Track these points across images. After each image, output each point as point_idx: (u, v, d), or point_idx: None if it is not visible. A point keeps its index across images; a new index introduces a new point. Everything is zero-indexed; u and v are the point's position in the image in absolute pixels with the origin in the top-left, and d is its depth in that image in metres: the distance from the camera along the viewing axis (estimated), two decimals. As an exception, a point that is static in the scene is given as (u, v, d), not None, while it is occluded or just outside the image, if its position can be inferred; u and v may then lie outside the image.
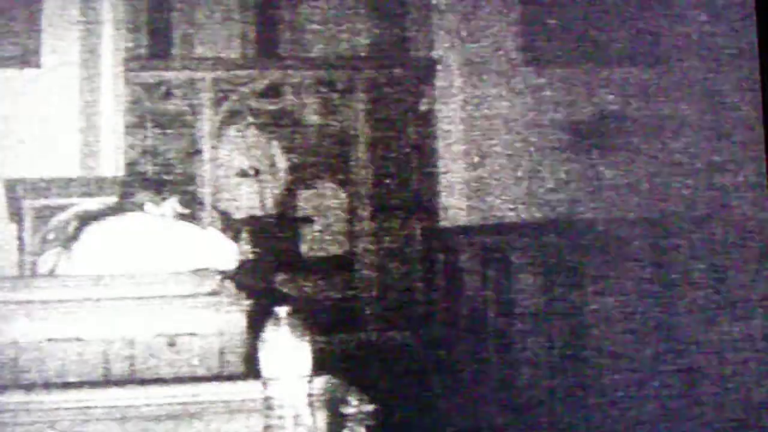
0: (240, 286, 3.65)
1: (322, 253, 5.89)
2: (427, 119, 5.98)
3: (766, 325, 4.94)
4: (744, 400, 4.78)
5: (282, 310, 2.82)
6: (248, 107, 5.94)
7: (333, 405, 2.92)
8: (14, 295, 3.49)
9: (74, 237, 3.95)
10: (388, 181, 5.90)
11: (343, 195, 5.94)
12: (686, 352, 4.87)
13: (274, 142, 6.00)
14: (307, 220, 5.94)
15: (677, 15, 5.66)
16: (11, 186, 5.03)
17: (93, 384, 3.34)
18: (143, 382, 3.36)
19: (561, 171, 5.75)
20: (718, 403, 4.74)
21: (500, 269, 5.23)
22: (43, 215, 4.69)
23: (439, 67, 5.98)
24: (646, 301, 5.00)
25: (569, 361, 4.93)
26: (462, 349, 5.22)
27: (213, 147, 5.82)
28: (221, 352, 3.52)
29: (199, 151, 5.77)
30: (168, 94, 5.78)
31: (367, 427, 2.85)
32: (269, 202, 5.95)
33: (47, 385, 3.23)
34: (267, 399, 2.83)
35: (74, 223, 4.10)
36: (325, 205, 5.93)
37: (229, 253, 4.02)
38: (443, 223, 5.83)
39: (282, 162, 5.99)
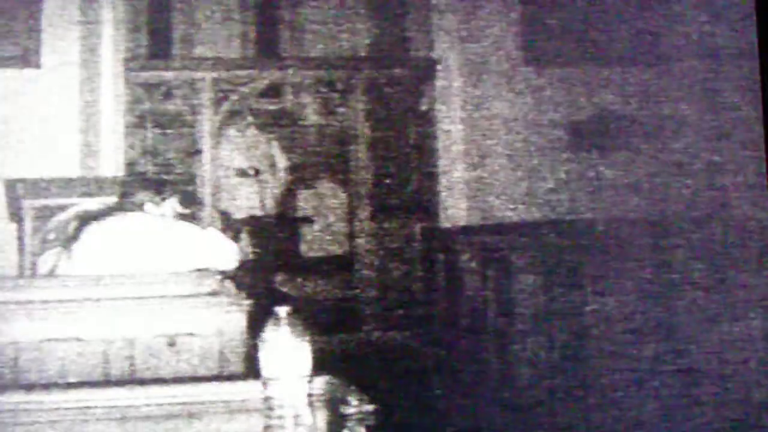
0: (240, 286, 3.65)
1: (322, 253, 5.89)
2: (427, 119, 5.98)
3: (766, 325, 4.94)
4: (744, 400, 4.77)
5: (282, 310, 2.82)
6: (248, 107, 5.95)
7: (333, 405, 2.92)
8: (14, 295, 3.49)
9: (74, 237, 3.94)
10: (388, 181, 5.90)
11: (343, 195, 5.94)
12: (686, 352, 4.86)
13: (274, 142, 6.00)
14: (307, 220, 5.94)
15: (677, 15, 5.66)
16: (11, 186, 5.02)
17: (93, 384, 3.34)
18: (143, 382, 3.35)
19: (561, 171, 5.76)
20: (718, 403, 4.74)
21: (500, 269, 5.22)
22: (43, 215, 4.69)
23: (439, 67, 5.99)
24: (646, 301, 4.99)
25: (569, 361, 4.93)
26: (462, 349, 5.22)
27: (213, 147, 5.83)
28: (221, 352, 3.52)
29: (199, 151, 5.77)
30: (168, 94, 5.79)
31: (367, 427, 2.85)
32: (269, 202, 5.95)
33: (47, 385, 3.23)
34: (267, 399, 2.83)
35: (74, 223, 4.10)
36: (325, 205, 5.93)
37: (229, 253, 4.01)
38: (443, 223, 5.84)
39: (282, 162, 5.99)
